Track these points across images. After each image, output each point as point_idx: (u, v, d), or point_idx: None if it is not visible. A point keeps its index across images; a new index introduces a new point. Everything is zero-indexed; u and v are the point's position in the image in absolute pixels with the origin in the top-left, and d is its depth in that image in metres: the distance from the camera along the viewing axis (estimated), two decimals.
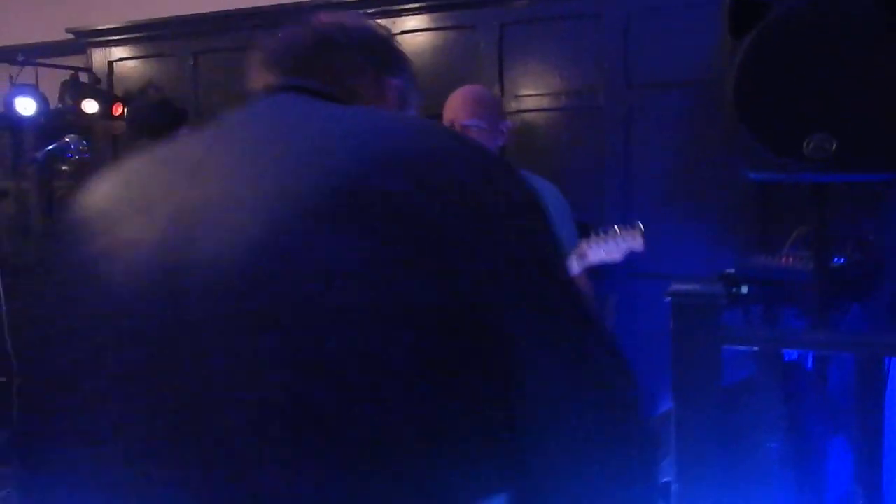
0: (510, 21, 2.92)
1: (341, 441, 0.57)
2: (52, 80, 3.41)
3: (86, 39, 3.70)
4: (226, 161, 0.68)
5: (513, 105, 2.94)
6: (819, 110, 1.39)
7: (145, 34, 3.63)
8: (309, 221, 0.60)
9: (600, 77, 2.80)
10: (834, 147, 1.37)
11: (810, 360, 1.75)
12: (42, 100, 3.32)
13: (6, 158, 4.03)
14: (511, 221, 0.64)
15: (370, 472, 0.57)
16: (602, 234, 2.06)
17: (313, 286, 0.58)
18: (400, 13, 3.10)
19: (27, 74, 3.42)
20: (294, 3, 3.24)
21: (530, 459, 0.60)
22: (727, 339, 1.46)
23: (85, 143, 2.56)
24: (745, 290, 2.09)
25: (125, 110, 3.07)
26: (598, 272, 2.65)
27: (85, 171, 3.84)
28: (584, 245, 2.11)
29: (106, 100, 3.35)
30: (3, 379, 3.40)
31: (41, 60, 3.50)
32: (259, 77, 0.86)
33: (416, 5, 3.07)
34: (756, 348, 1.62)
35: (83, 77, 3.51)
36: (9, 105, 3.28)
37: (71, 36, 3.68)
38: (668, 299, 1.52)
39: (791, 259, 2.03)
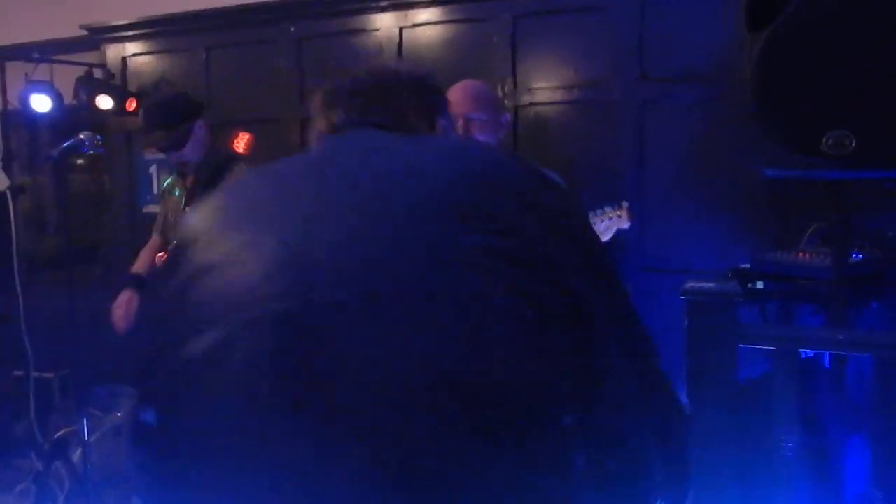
0: (523, 13, 2.90)
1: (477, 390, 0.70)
2: (67, 77, 3.43)
3: (100, 36, 3.72)
4: (329, 180, 0.82)
5: (525, 98, 2.92)
6: (838, 106, 1.37)
7: (158, 30, 3.64)
8: (424, 222, 0.75)
9: (614, 69, 2.77)
10: (853, 144, 1.35)
11: (827, 357, 1.73)
12: (57, 96, 3.35)
13: (22, 154, 4.07)
14: (570, 220, 0.85)
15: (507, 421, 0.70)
16: (590, 217, 2.07)
17: (436, 273, 0.73)
18: (412, 6, 3.09)
19: (42, 71, 3.44)
20: None
21: (598, 373, 0.78)
22: (743, 337, 1.45)
23: (99, 137, 2.58)
24: (760, 285, 2.07)
25: (141, 103, 3.08)
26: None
27: (100, 165, 3.87)
28: None
29: (120, 95, 3.36)
30: (21, 373, 3.45)
31: (56, 57, 3.52)
32: (321, 116, 1.00)
33: None
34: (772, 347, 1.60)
35: (97, 73, 3.52)
36: (24, 101, 3.31)
37: (85, 32, 3.69)
38: (683, 297, 1.50)
39: (808, 255, 2.01)
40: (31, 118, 3.57)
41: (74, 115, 3.48)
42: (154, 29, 3.64)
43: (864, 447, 1.63)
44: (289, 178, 0.88)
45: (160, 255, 2.42)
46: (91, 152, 2.57)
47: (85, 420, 2.47)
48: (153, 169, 3.67)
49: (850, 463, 1.70)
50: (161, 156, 3.08)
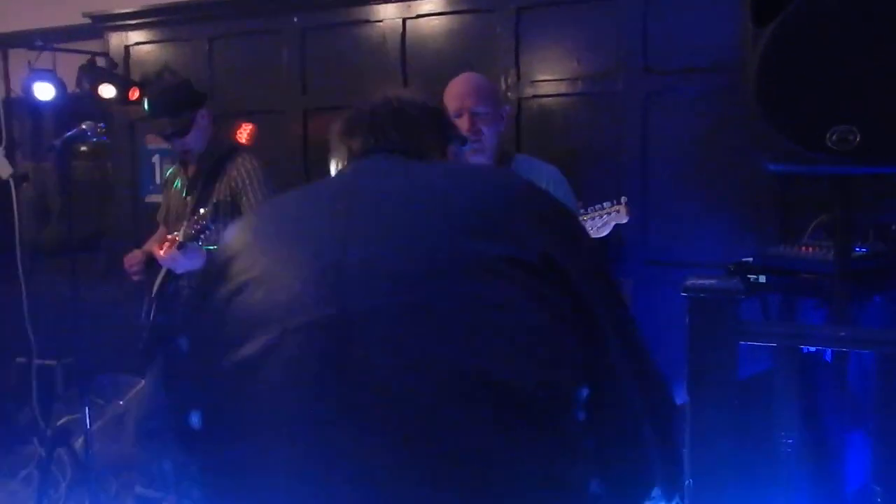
0: (526, 5, 2.88)
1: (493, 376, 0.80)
2: (70, 65, 3.42)
3: (102, 24, 3.70)
4: (357, 201, 0.92)
5: (529, 90, 2.90)
6: (842, 101, 1.36)
7: (161, 18, 3.62)
8: (446, 237, 0.86)
9: (618, 62, 2.75)
10: (857, 139, 1.34)
11: (829, 352, 1.72)
12: (60, 84, 3.34)
13: (25, 142, 4.07)
14: (575, 232, 0.96)
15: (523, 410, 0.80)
16: (589, 212, 2.07)
17: (460, 282, 0.83)
18: None
19: (45, 59, 3.44)
20: None
21: (602, 356, 0.87)
22: (744, 334, 1.44)
23: (103, 125, 2.58)
24: (763, 279, 2.07)
25: (145, 91, 3.07)
26: (617, 259, 2.64)
27: (103, 153, 3.87)
28: None
29: (123, 84, 3.35)
30: (23, 360, 3.47)
31: (58, 45, 3.51)
32: (341, 144, 1.10)
33: None
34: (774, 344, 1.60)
35: (100, 61, 3.51)
36: (27, 90, 3.30)
37: (88, 20, 3.68)
38: (684, 294, 1.50)
39: (811, 248, 2.00)
40: (34, 106, 3.56)
41: (77, 104, 3.47)
42: (157, 18, 3.62)
43: (865, 443, 1.63)
44: (320, 199, 0.98)
45: (164, 245, 2.43)
46: (95, 140, 2.57)
47: (87, 408, 2.48)
48: (156, 158, 3.67)
49: (850, 459, 1.70)
50: (164, 145, 3.08)
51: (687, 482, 1.50)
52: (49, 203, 4.11)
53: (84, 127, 2.50)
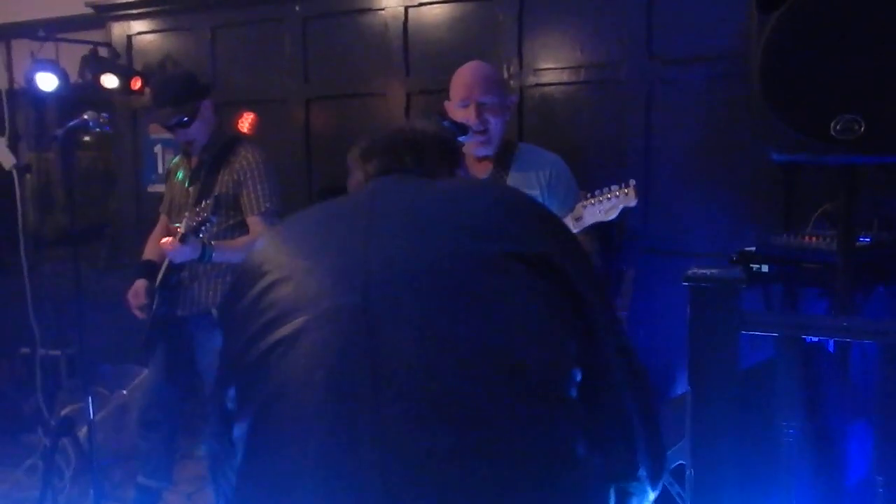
0: None
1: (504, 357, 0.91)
2: (73, 55, 3.42)
3: (105, 14, 3.70)
4: (376, 211, 1.03)
5: (532, 79, 2.89)
6: (847, 90, 1.35)
7: (164, 8, 3.61)
8: (459, 237, 0.98)
9: (622, 50, 2.74)
10: (862, 128, 1.33)
11: (831, 343, 1.72)
12: (63, 75, 3.33)
13: (28, 132, 4.07)
14: (576, 243, 1.09)
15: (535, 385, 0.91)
16: (597, 195, 2.05)
17: (470, 276, 0.95)
18: None
19: (48, 49, 3.43)
20: None
21: (590, 343, 0.99)
22: (746, 324, 1.43)
23: (106, 115, 2.57)
24: (765, 268, 2.06)
25: (151, 81, 3.06)
26: (619, 248, 2.63)
27: (106, 143, 3.87)
28: (579, 207, 2.11)
29: (125, 74, 3.35)
30: (27, 350, 3.48)
31: (61, 35, 3.50)
32: (359, 169, 1.20)
33: None
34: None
35: (103, 52, 3.51)
36: (30, 80, 3.30)
37: (90, 10, 3.67)
38: (685, 283, 1.49)
39: (814, 238, 1.99)
40: (37, 96, 3.56)
41: (80, 94, 3.47)
42: (159, 7, 3.62)
43: (867, 433, 1.63)
44: (342, 210, 1.10)
45: (166, 240, 2.43)
46: (97, 130, 2.56)
47: (91, 398, 2.49)
48: (158, 148, 3.67)
49: (851, 449, 1.69)
50: (166, 135, 3.08)
51: (688, 472, 1.50)
52: (52, 193, 4.12)
53: (87, 117, 2.49)
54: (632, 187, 2.00)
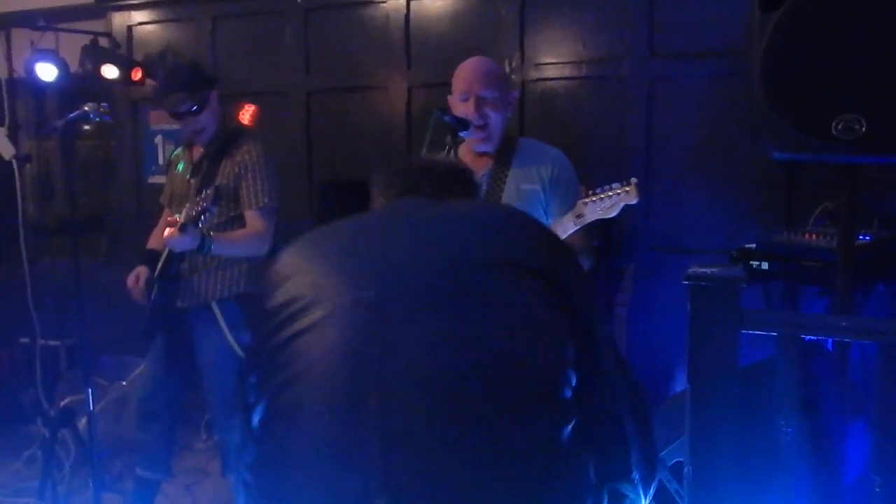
0: None
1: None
2: (73, 45, 3.40)
3: (105, 4, 3.68)
4: (391, 225, 1.15)
5: (533, 73, 2.88)
6: (849, 90, 1.34)
7: None
8: (470, 248, 1.07)
9: (623, 46, 2.73)
10: (863, 128, 1.33)
11: (830, 341, 1.72)
12: (63, 65, 3.32)
13: (29, 122, 4.06)
14: (576, 261, 1.19)
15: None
16: (598, 193, 2.04)
17: (474, 281, 1.03)
18: None
19: (48, 39, 3.42)
20: None
21: (588, 352, 1.06)
22: (745, 323, 1.43)
23: (106, 105, 2.56)
24: (765, 266, 2.06)
25: (158, 68, 3.04)
26: (619, 244, 2.63)
27: (107, 132, 3.86)
28: (580, 204, 2.10)
29: (125, 65, 3.34)
30: (26, 340, 3.48)
31: (61, 25, 3.49)
32: (379, 195, 1.30)
33: None
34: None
35: (103, 42, 3.49)
36: (30, 70, 3.29)
37: (91, 0, 3.66)
38: (686, 282, 1.49)
39: (815, 236, 1.99)
40: (37, 86, 3.55)
41: (80, 84, 3.46)
42: None
43: (865, 433, 1.63)
44: (360, 223, 1.20)
45: (167, 231, 2.43)
46: (98, 120, 2.55)
47: (90, 389, 2.50)
48: (159, 139, 3.66)
49: (849, 448, 1.70)
50: (167, 126, 3.07)
51: (687, 469, 1.51)
52: (52, 183, 4.11)
53: (87, 108, 2.48)
54: (633, 185, 1.99)
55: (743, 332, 1.48)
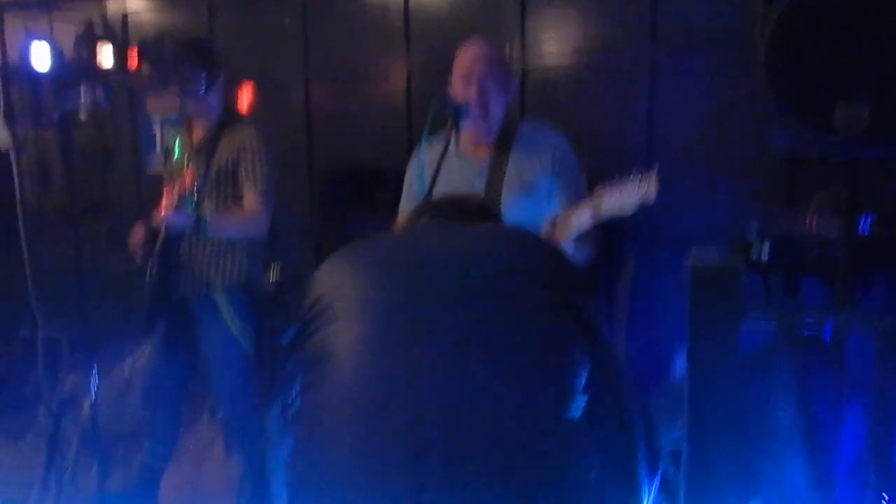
0: None
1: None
2: (67, 31, 3.37)
3: None
4: (421, 242, 1.31)
5: (534, 61, 2.87)
6: (853, 81, 1.34)
7: None
8: (485, 256, 1.21)
9: (625, 33, 2.71)
10: (867, 121, 1.33)
11: (828, 332, 1.73)
12: (57, 51, 3.29)
13: (25, 109, 4.03)
14: (579, 277, 1.29)
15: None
16: (616, 184, 2.03)
17: (488, 284, 1.16)
18: None
19: (41, 25, 3.39)
20: None
21: (597, 352, 1.16)
22: (745, 313, 1.45)
23: (101, 91, 2.54)
24: (765, 256, 2.06)
25: (166, 43, 3.01)
26: (620, 233, 2.63)
27: (104, 119, 3.84)
28: (597, 195, 2.08)
29: (121, 52, 3.31)
30: (27, 329, 3.48)
31: (55, 11, 3.46)
32: (406, 219, 1.49)
33: None
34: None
35: (98, 28, 3.46)
36: (24, 56, 3.26)
37: None
38: (686, 271, 1.50)
39: (816, 224, 1.99)
40: (32, 72, 3.52)
41: (75, 71, 3.43)
42: None
43: (860, 420, 1.65)
44: (388, 239, 1.38)
45: (162, 208, 2.42)
46: (94, 108, 2.54)
47: (92, 376, 2.50)
48: (156, 127, 3.64)
49: (844, 435, 1.72)
50: (168, 109, 3.04)
51: (684, 454, 1.53)
52: (50, 171, 4.09)
53: (82, 97, 2.47)
54: (654, 179, 1.98)
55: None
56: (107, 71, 3.33)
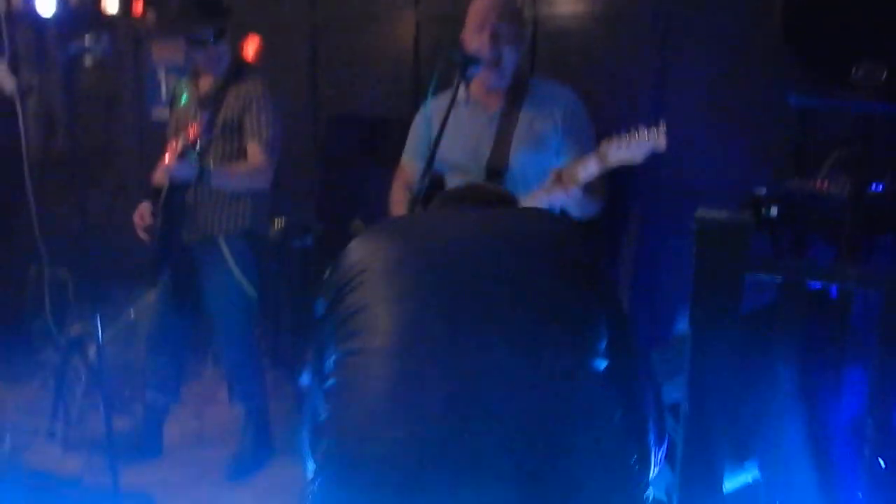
0: None
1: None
2: None
3: None
4: (454, 218, 1.42)
5: (546, 10, 2.81)
6: (871, 36, 1.31)
7: None
8: (521, 238, 1.31)
9: None
10: (884, 75, 1.30)
11: (834, 289, 1.72)
12: None
13: (30, 54, 3.99)
14: (589, 248, 1.37)
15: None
16: (624, 135, 2.02)
17: (518, 263, 1.26)
18: None
19: None
20: None
21: (615, 334, 1.27)
22: (750, 266, 1.44)
23: (106, 37, 2.52)
24: (774, 212, 2.05)
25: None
26: (627, 186, 2.61)
27: (108, 65, 3.79)
28: (604, 146, 2.07)
29: None
30: (34, 269, 3.51)
31: None
32: (434, 205, 1.56)
33: None
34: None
35: None
36: (28, 2, 3.21)
37: None
38: (693, 225, 1.49)
39: (827, 183, 1.97)
40: (38, 18, 3.47)
41: (80, 17, 3.38)
42: None
43: (862, 378, 1.66)
44: (421, 216, 1.58)
45: (166, 158, 2.42)
46: (98, 54, 2.52)
47: (99, 318, 2.53)
48: (161, 74, 3.59)
49: (846, 392, 1.73)
50: (174, 58, 3.00)
51: (683, 408, 1.54)
52: (54, 117, 4.07)
53: (86, 44, 2.44)
54: (661, 131, 1.96)
55: (747, 276, 1.49)
56: (112, 17, 3.28)
